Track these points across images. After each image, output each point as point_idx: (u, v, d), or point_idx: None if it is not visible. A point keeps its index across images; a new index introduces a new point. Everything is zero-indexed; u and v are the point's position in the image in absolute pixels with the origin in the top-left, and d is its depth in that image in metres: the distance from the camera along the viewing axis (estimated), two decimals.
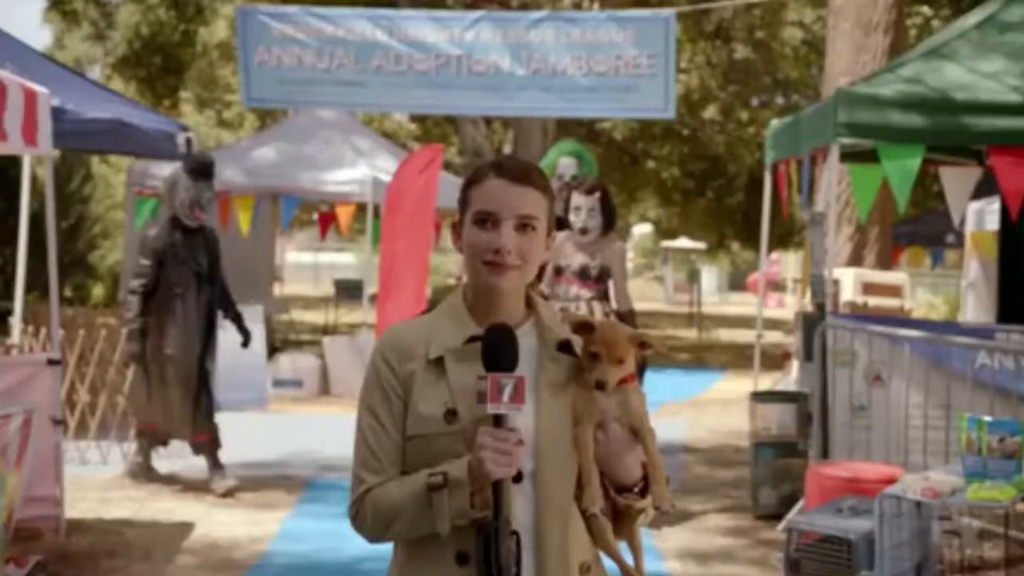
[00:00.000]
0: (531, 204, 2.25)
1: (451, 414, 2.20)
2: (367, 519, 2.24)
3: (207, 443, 7.98)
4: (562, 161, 7.88)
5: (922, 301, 20.59)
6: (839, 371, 6.94)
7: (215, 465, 7.96)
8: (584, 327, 2.25)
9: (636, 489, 2.25)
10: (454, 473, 2.13)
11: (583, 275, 7.13)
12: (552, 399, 2.24)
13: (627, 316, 7.08)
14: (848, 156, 8.01)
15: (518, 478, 2.18)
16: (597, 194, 7.12)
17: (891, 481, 5.30)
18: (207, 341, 8.02)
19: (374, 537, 2.27)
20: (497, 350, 2.14)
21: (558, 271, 7.15)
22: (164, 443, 8.19)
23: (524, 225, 2.24)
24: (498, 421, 2.11)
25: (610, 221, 7.19)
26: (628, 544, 2.33)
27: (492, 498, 2.10)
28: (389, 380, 2.25)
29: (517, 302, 2.30)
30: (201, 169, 7.78)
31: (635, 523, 2.29)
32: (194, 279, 7.87)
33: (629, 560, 2.32)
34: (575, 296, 7.09)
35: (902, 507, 4.84)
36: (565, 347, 2.28)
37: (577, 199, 7.10)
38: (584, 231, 7.07)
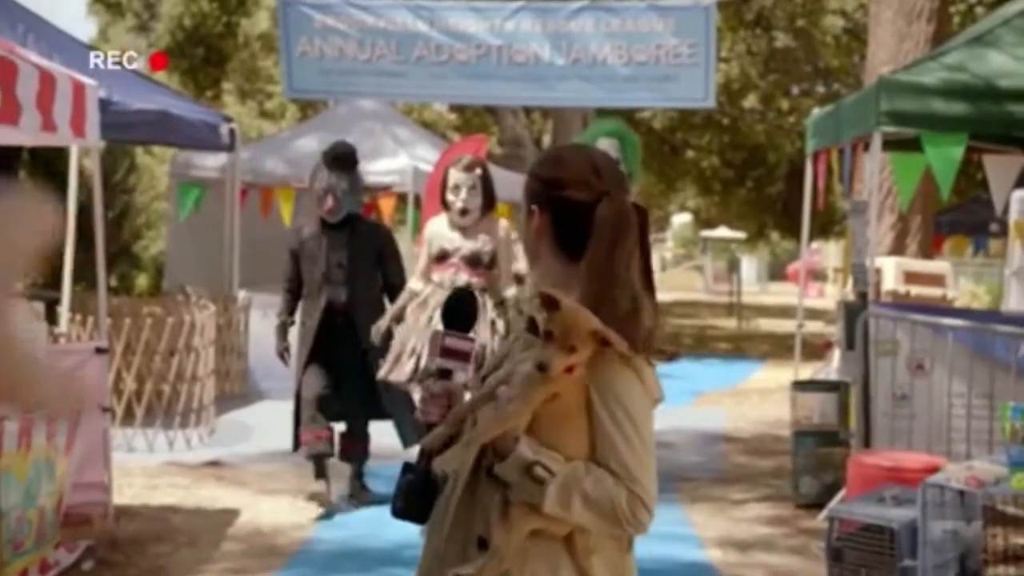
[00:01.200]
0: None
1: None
2: None
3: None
4: (600, 144, 7.20)
5: (964, 290, 20.43)
6: (881, 360, 6.92)
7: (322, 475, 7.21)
8: (550, 303, 2.19)
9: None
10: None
11: (474, 262, 6.64)
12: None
13: (499, 306, 6.66)
14: (890, 144, 7.98)
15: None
16: (477, 171, 6.61)
17: (933, 470, 5.29)
18: (336, 354, 7.09)
19: None
20: (452, 309, 2.45)
21: (442, 256, 6.64)
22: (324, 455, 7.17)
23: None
24: (442, 374, 2.37)
25: (490, 200, 6.68)
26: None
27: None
28: None
29: (547, 280, 2.41)
30: (336, 157, 7.07)
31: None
32: (320, 279, 7.10)
33: None
34: (464, 283, 6.44)
35: (945, 496, 4.83)
36: (532, 326, 2.31)
37: (455, 176, 6.59)
38: (464, 212, 6.57)
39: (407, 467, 2.37)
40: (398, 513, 2.38)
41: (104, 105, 6.77)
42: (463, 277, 6.52)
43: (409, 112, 21.88)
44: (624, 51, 10.94)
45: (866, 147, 7.97)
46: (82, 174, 8.30)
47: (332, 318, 7.09)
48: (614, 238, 2.29)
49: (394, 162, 13.89)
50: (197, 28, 24.42)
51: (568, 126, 20.09)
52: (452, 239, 6.63)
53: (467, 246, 6.60)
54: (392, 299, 7.08)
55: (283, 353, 7.37)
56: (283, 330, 7.35)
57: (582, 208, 2.32)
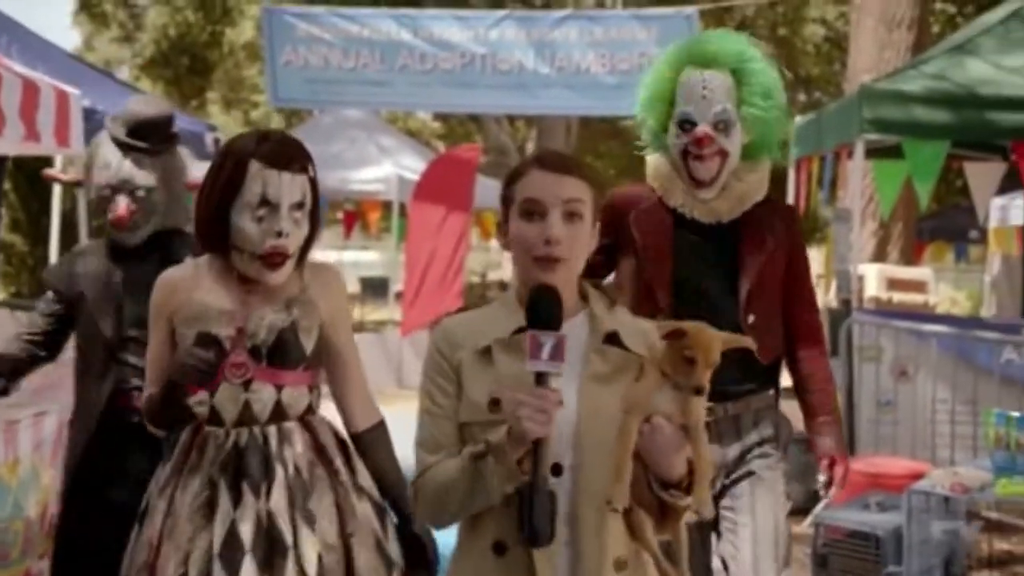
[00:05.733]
0: (576, 189, 2.26)
1: (495, 403, 2.21)
2: (425, 497, 2.27)
3: None
4: (689, 80, 3.39)
5: (945, 296, 20.54)
6: (865, 366, 6.96)
7: None
8: (677, 333, 2.23)
9: (682, 486, 2.24)
10: (495, 439, 2.14)
11: (281, 353, 3.01)
12: (596, 391, 2.24)
13: (377, 444, 3.13)
14: (871, 152, 8.03)
15: (557, 471, 2.19)
16: (308, 172, 3.02)
17: (917, 476, 5.33)
18: (121, 485, 3.58)
19: (433, 518, 2.30)
20: (539, 306, 2.15)
21: (205, 343, 2.92)
22: None
23: (571, 213, 2.25)
24: (539, 379, 2.10)
25: (315, 229, 3.10)
26: (672, 540, 2.34)
27: (532, 457, 2.10)
28: (442, 366, 2.29)
29: (570, 294, 2.30)
30: (135, 127, 3.82)
31: (680, 520, 2.29)
32: (103, 349, 3.75)
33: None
34: (269, 407, 2.99)
35: (930, 502, 4.86)
36: (612, 338, 2.28)
37: (265, 177, 2.93)
38: (277, 258, 2.95)
39: (528, 489, 2.11)
40: (541, 540, 2.12)
41: (88, 114, 6.76)
42: (264, 391, 2.99)
43: (394, 121, 21.91)
44: (608, 59, 10.98)
45: (849, 154, 8.02)
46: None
47: (121, 418, 3.69)
48: None
49: (379, 170, 13.93)
50: (182, 38, 24.47)
51: (551, 133, 20.12)
52: (226, 310, 3.02)
53: (264, 321, 3.01)
54: None
55: None
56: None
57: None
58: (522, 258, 2.28)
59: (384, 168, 13.98)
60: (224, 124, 25.65)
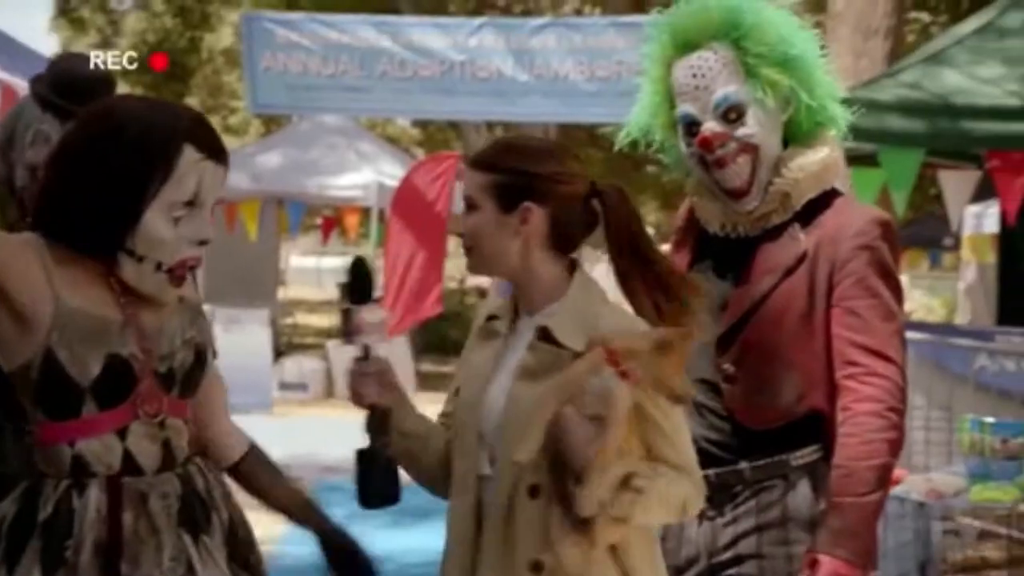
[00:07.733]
0: (469, 183, 2.31)
1: (456, 392, 2.39)
2: None
3: None
4: (678, 71, 2.73)
5: (919, 303, 20.68)
6: None
7: None
8: (666, 346, 2.14)
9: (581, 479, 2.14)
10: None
11: (195, 378, 2.33)
12: (522, 386, 2.23)
13: (258, 465, 2.56)
14: (847, 160, 8.09)
15: (493, 462, 2.26)
16: (227, 166, 2.27)
17: (893, 482, 5.36)
18: None
19: None
20: (350, 282, 2.28)
21: (119, 371, 2.15)
22: None
23: (468, 207, 2.30)
24: (366, 352, 2.28)
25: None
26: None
27: (369, 424, 2.29)
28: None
29: (541, 282, 2.27)
30: (71, 89, 2.61)
31: (605, 531, 2.11)
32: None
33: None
34: (184, 445, 2.30)
35: (905, 508, 4.91)
36: (544, 334, 2.24)
37: (206, 171, 2.18)
38: (186, 271, 2.32)
39: (364, 454, 2.29)
40: (374, 503, 2.31)
41: None
42: (179, 426, 2.29)
43: (373, 127, 21.93)
44: (586, 67, 11.02)
45: None
46: None
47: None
48: (640, 229, 2.27)
49: (358, 176, 13.94)
50: (160, 44, 24.44)
51: None
52: (119, 320, 2.19)
53: (178, 338, 2.32)
54: None
55: None
56: None
57: (579, 202, 2.27)
58: None
59: (363, 174, 13.99)
60: None
